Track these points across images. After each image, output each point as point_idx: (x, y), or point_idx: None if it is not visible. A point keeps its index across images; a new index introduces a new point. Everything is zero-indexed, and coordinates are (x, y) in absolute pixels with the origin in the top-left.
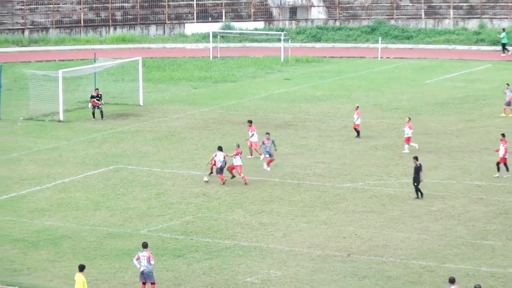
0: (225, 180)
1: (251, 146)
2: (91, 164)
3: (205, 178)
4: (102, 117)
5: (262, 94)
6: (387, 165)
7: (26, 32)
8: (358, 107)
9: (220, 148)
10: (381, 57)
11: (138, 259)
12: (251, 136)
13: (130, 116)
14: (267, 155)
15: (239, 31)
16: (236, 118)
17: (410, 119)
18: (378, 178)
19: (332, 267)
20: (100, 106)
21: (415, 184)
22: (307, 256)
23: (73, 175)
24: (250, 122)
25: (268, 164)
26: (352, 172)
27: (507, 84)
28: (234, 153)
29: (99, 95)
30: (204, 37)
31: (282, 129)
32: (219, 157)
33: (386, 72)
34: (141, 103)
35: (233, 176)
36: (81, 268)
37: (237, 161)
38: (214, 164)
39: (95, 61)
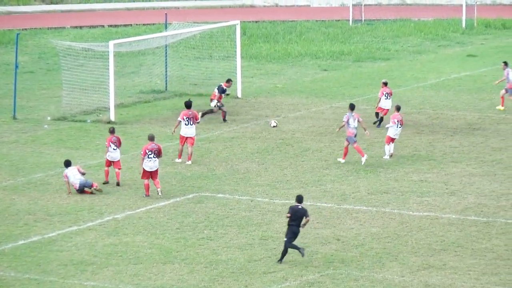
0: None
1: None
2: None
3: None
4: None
5: (432, 79)
6: None
7: None
8: (386, 83)
9: (67, 164)
10: None
11: None
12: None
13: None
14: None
15: None
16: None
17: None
18: None
19: None
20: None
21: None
22: None
23: (130, 209)
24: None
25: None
26: None
27: None
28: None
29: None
30: None
31: (463, 135)
32: (73, 175)
33: None
34: (239, 94)
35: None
36: None
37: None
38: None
39: (166, 27)
